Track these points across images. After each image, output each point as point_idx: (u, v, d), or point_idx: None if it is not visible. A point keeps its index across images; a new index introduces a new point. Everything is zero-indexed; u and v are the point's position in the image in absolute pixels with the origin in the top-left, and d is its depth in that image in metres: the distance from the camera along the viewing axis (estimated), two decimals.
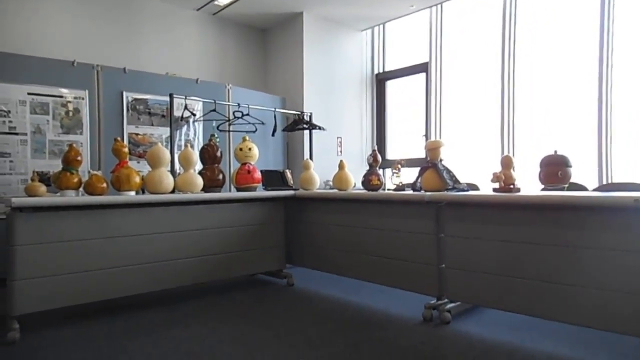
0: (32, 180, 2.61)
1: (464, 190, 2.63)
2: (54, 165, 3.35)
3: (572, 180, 2.52)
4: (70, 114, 3.62)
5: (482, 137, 4.58)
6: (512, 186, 2.38)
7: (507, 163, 2.45)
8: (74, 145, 2.74)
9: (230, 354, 2.08)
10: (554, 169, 2.48)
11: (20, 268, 2.28)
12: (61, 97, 3.57)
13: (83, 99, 3.67)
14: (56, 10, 4.14)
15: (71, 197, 2.55)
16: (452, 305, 2.55)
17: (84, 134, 3.67)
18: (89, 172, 2.76)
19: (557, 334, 2.28)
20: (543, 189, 2.53)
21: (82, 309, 2.65)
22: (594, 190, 2.71)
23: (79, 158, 2.67)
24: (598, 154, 3.74)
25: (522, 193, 2.30)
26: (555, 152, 2.54)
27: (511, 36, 4.33)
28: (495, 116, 4.43)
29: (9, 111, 3.35)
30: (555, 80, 4.09)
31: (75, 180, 2.63)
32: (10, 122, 3.35)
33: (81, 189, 2.67)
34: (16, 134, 3.38)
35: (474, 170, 4.04)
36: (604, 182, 3.63)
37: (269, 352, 2.10)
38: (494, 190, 2.43)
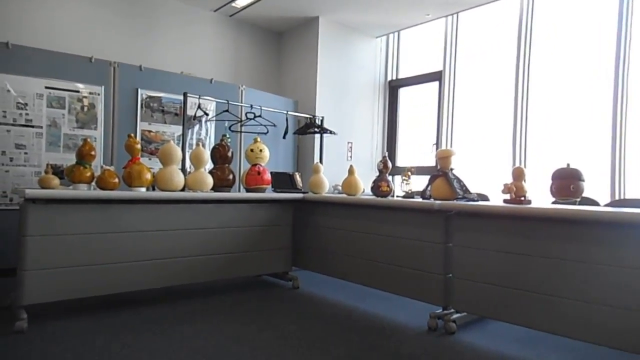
0: (46, 172, 2.65)
1: (473, 200, 2.62)
2: (68, 159, 3.40)
3: (584, 194, 2.49)
4: (86, 109, 3.67)
5: (494, 147, 4.55)
6: (523, 198, 2.37)
7: (518, 175, 2.43)
8: (88, 140, 2.77)
9: (235, 353, 2.09)
10: (566, 182, 2.45)
11: (30, 258, 2.31)
12: (77, 92, 3.62)
13: (99, 94, 3.72)
14: (76, 7, 4.21)
15: (83, 191, 2.58)
16: (458, 315, 2.53)
17: (98, 129, 3.71)
18: (101, 166, 2.79)
19: (563, 350, 2.25)
20: (554, 202, 2.51)
21: (88, 302, 2.68)
22: (606, 205, 2.68)
23: (92, 153, 2.71)
24: (611, 169, 3.70)
25: (533, 205, 2.28)
26: (568, 165, 2.52)
27: (526, 47, 4.31)
28: (507, 127, 4.41)
29: (26, 104, 3.40)
30: (569, 92, 4.06)
31: (88, 174, 2.66)
32: (27, 114, 3.41)
33: (93, 183, 2.70)
34: (32, 126, 3.43)
35: (484, 180, 4.02)
36: (617, 198, 3.59)
37: (272, 353, 2.10)
38: (505, 201, 2.41)
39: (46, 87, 3.48)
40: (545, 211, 2.15)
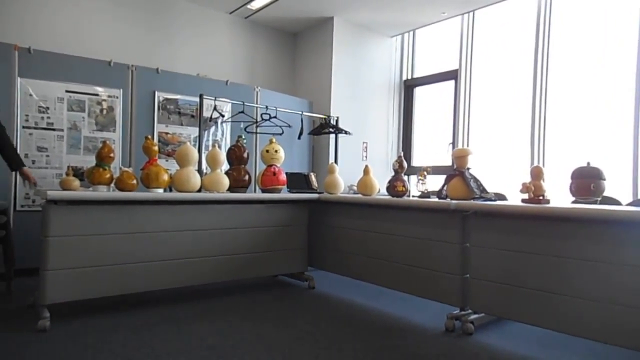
0: (67, 174, 2.70)
1: (491, 200, 2.59)
2: (88, 161, 3.47)
3: (605, 193, 2.44)
4: (105, 111, 3.74)
5: (512, 146, 4.49)
6: (541, 197, 2.33)
7: (537, 174, 2.40)
8: (107, 142, 2.83)
9: (252, 352, 2.10)
10: (587, 181, 2.40)
11: (52, 258, 2.37)
12: (97, 95, 3.70)
13: (117, 97, 3.79)
14: (96, 12, 4.30)
15: (103, 192, 2.63)
16: (476, 316, 2.50)
17: (117, 132, 3.78)
18: (120, 168, 2.84)
19: (583, 352, 2.21)
20: (574, 202, 2.46)
21: (108, 301, 2.73)
22: (628, 204, 2.62)
23: (111, 155, 2.76)
24: (633, 167, 3.62)
25: (551, 205, 2.25)
26: (588, 163, 2.47)
27: (544, 44, 4.24)
28: (525, 125, 4.35)
29: (48, 107, 3.49)
30: (589, 89, 3.98)
31: (107, 176, 2.71)
32: (48, 118, 3.49)
33: (112, 184, 2.75)
34: (53, 129, 3.51)
35: (502, 180, 3.97)
36: (639, 197, 3.50)
37: (288, 353, 2.11)
38: (523, 201, 2.38)
39: (67, 91, 3.56)
40: (564, 211, 2.11)
